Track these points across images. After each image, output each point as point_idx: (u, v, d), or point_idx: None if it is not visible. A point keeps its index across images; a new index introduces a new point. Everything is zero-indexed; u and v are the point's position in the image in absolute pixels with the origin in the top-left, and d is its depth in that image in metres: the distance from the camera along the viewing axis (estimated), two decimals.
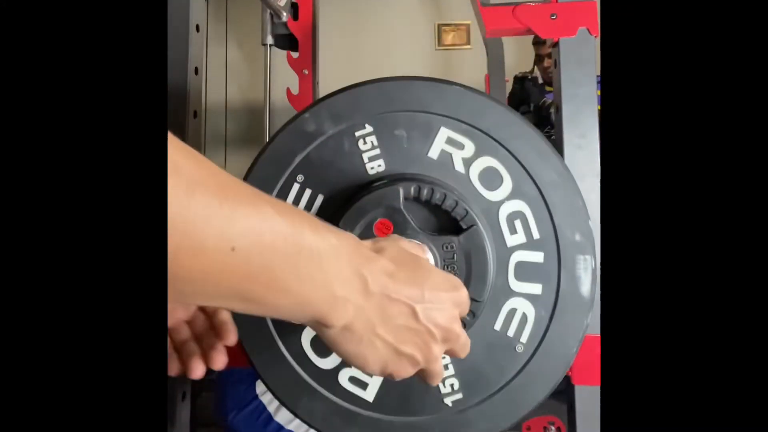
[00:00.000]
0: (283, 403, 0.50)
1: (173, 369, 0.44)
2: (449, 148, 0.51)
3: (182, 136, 0.67)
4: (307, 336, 0.51)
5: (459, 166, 0.51)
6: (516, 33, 0.64)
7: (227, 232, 0.27)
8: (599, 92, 0.69)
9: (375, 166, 0.52)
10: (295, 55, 1.29)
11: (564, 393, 0.60)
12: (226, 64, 2.69)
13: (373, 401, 0.50)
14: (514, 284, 0.50)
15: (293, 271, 0.31)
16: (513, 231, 0.51)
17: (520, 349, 0.50)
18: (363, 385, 0.50)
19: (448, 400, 0.50)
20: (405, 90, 0.52)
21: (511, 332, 0.50)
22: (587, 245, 0.50)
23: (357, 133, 0.52)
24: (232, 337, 0.42)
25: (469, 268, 0.48)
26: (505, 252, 0.51)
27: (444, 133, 0.51)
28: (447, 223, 0.49)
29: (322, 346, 0.50)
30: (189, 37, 0.66)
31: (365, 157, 0.52)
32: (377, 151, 0.52)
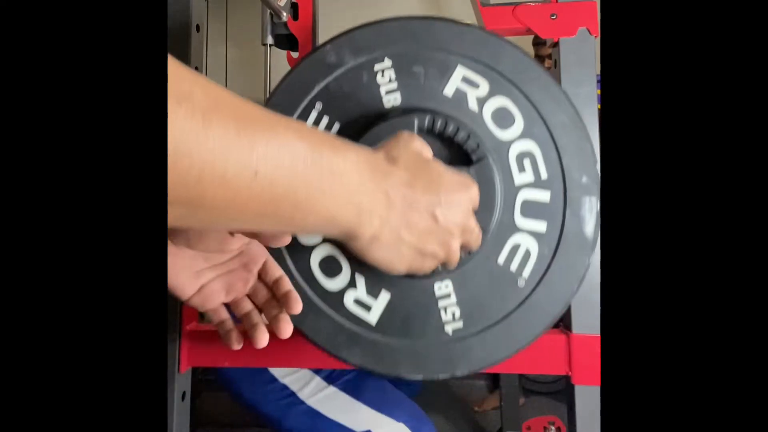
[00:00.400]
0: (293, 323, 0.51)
1: (237, 343, 0.45)
2: (464, 87, 0.53)
3: None
4: (316, 257, 0.52)
5: (473, 105, 0.53)
6: (516, 33, 0.65)
7: (248, 158, 0.27)
8: (599, 92, 0.70)
9: (391, 99, 0.53)
10: (295, 55, 1.31)
11: (564, 393, 0.61)
12: (226, 64, 2.71)
13: (376, 324, 0.51)
14: (520, 221, 0.52)
15: (317, 190, 0.32)
16: (521, 169, 0.52)
17: (521, 283, 0.51)
18: (367, 308, 0.51)
19: (448, 328, 0.51)
20: (426, 28, 0.53)
21: (513, 267, 0.51)
22: (593, 187, 0.52)
23: (376, 67, 0.53)
24: (297, 306, 0.43)
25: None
26: (512, 189, 0.52)
27: (460, 71, 0.53)
28: (458, 155, 0.51)
29: (329, 268, 0.52)
30: (189, 37, 0.66)
31: (382, 90, 0.53)
32: (394, 85, 0.53)
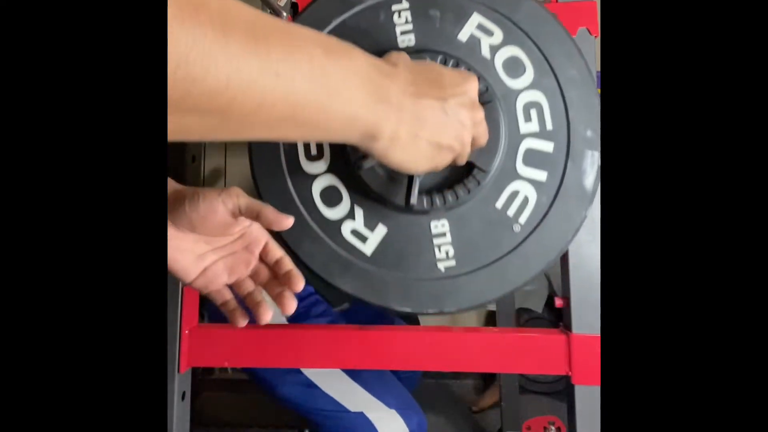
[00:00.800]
0: (286, 246, 0.52)
1: (241, 321, 0.45)
2: (479, 34, 0.54)
3: None
4: (318, 186, 0.53)
5: (485, 52, 0.54)
6: None
7: (266, 61, 0.28)
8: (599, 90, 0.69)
9: (406, 40, 0.54)
10: None
11: (564, 393, 0.61)
12: None
13: (371, 255, 0.52)
14: (521, 168, 0.52)
15: (336, 91, 0.33)
16: (528, 119, 0.53)
17: (517, 229, 0.52)
18: (363, 239, 0.52)
19: (441, 265, 0.52)
20: None
21: (511, 212, 0.52)
22: (597, 141, 0.52)
23: (393, 7, 0.54)
24: (300, 284, 0.44)
25: None
26: (517, 137, 0.53)
27: (476, 18, 0.54)
28: None
29: (330, 198, 0.53)
30: None
31: (398, 30, 0.54)
32: (410, 27, 0.54)
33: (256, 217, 0.43)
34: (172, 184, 0.45)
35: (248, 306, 0.45)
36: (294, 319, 0.90)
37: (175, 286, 0.63)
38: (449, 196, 0.50)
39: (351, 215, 0.53)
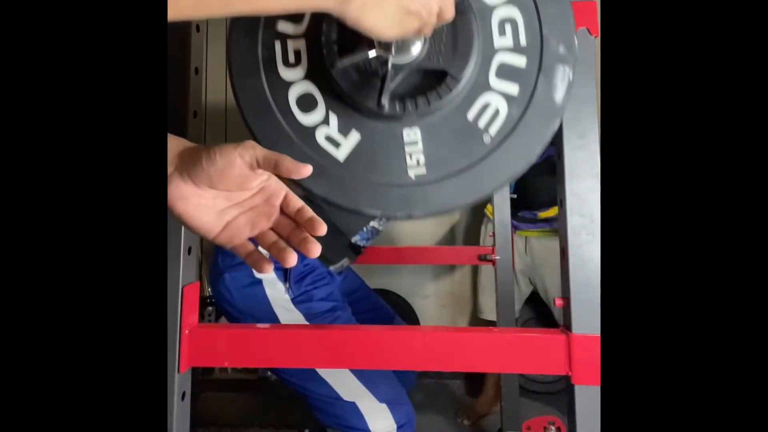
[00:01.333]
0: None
1: (267, 268, 0.46)
2: None
3: (182, 136, 0.68)
4: (294, 92, 0.54)
5: None
6: None
7: None
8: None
9: None
10: None
11: (564, 393, 0.61)
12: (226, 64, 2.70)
13: (344, 161, 0.53)
14: (494, 81, 0.53)
15: None
16: (502, 33, 0.54)
17: (487, 140, 0.53)
18: (337, 145, 0.54)
19: (411, 173, 0.53)
20: None
21: (482, 123, 0.53)
22: (569, 57, 0.53)
23: None
24: (322, 228, 0.44)
25: (455, 47, 0.51)
26: (490, 51, 0.54)
27: None
28: None
29: (306, 104, 0.54)
30: (189, 37, 0.67)
31: None
32: None
33: (273, 167, 0.43)
34: (185, 143, 0.46)
35: (273, 254, 0.46)
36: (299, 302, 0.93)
37: (175, 286, 0.63)
38: (421, 102, 0.51)
39: (326, 121, 0.54)
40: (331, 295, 0.98)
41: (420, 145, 0.53)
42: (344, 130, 0.54)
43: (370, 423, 0.91)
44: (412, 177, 0.53)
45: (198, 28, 0.69)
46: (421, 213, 0.52)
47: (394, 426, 0.92)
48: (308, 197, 0.53)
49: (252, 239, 0.47)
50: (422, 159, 0.53)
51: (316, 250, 0.44)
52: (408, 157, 0.53)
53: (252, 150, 0.43)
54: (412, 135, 0.53)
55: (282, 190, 0.47)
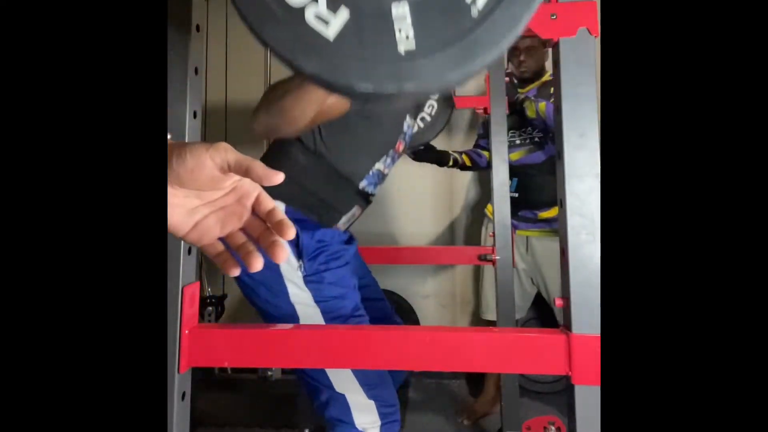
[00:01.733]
0: (252, 29, 0.52)
1: (234, 270, 0.46)
2: None
3: (182, 136, 0.67)
4: None
5: None
6: None
7: None
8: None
9: None
10: None
11: (564, 393, 0.61)
12: (226, 64, 2.69)
13: (334, 39, 0.51)
14: None
15: None
16: None
17: (475, 13, 0.51)
18: (326, 23, 0.51)
19: (401, 47, 0.51)
20: None
21: None
22: None
23: None
24: (291, 232, 0.44)
25: None
26: None
27: None
28: None
29: None
30: (189, 37, 0.66)
31: None
32: None
33: (245, 172, 0.42)
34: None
35: (240, 256, 0.46)
36: (310, 282, 0.94)
37: (175, 286, 0.63)
38: None
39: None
40: (341, 280, 0.98)
41: (408, 20, 0.52)
42: (333, 7, 0.52)
43: (356, 417, 0.92)
44: (402, 52, 0.52)
45: (198, 28, 0.69)
46: (412, 87, 0.51)
47: (379, 422, 0.93)
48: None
49: (222, 239, 0.46)
50: (411, 33, 0.52)
51: (283, 255, 0.44)
52: (397, 32, 0.52)
53: (224, 153, 0.42)
54: (401, 9, 0.52)
55: (255, 190, 0.46)
